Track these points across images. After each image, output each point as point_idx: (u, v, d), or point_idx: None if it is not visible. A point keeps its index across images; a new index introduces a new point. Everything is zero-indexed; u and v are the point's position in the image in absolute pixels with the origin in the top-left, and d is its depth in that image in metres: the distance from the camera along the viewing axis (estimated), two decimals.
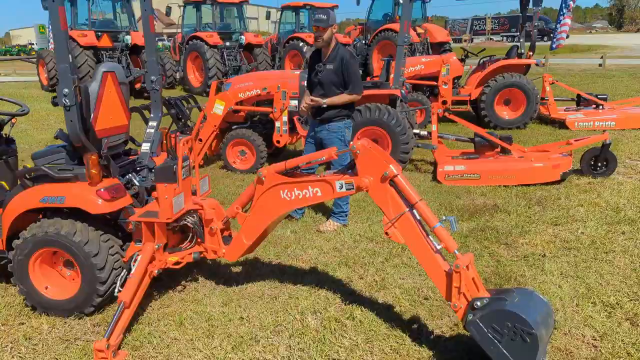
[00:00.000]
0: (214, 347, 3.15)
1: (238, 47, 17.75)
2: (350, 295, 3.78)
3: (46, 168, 3.43)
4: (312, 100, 4.91)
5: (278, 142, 7.50)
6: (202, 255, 3.77)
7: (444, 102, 10.86)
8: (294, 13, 20.46)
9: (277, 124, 7.42)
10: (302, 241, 4.82)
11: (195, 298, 3.77)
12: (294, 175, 3.43)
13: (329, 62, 4.87)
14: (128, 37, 15.47)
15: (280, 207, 3.34)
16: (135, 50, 15.66)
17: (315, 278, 4.06)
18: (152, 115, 4.23)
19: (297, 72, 7.57)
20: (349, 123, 5.05)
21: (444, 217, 2.99)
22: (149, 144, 4.07)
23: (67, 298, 3.46)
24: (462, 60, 11.39)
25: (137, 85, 16.04)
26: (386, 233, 3.05)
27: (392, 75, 7.56)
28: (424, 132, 7.40)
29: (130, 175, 3.77)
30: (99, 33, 15.01)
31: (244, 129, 7.51)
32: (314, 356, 3.07)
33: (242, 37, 17.80)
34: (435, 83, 10.82)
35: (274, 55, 21.30)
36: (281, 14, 21.34)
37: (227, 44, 17.73)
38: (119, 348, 3.12)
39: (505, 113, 10.51)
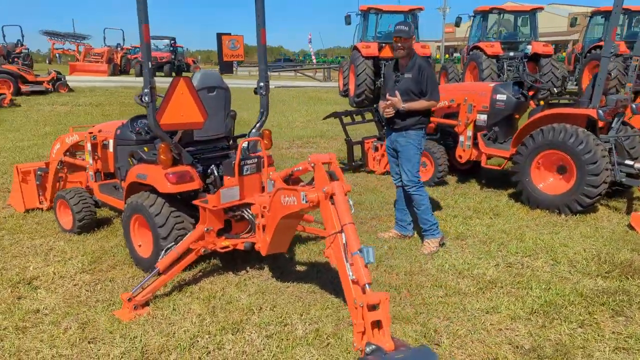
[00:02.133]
0: (200, 325, 3.50)
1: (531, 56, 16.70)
2: None
3: (140, 151, 4.35)
4: (390, 99, 4.78)
5: (460, 157, 7.11)
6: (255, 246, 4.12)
7: None
8: (603, 18, 17.94)
9: (461, 138, 7.04)
10: (388, 259, 4.63)
11: (240, 282, 4.16)
12: (296, 182, 3.48)
13: (407, 72, 4.81)
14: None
15: (281, 210, 3.44)
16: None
17: None
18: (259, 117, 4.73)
19: (492, 84, 6.97)
20: (424, 133, 4.98)
21: (362, 247, 2.63)
22: (246, 143, 4.60)
23: (147, 257, 4.31)
24: None
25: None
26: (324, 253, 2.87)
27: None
28: (639, 165, 5.89)
29: (213, 166, 4.39)
30: (382, 44, 16.28)
31: (426, 140, 7.35)
32: (264, 357, 3.14)
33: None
34: None
35: (575, 67, 19.22)
36: (589, 19, 18.99)
37: (511, 54, 16.93)
38: (147, 305, 3.78)
39: None
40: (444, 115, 7.34)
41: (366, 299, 2.48)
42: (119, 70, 34.89)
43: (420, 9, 16.66)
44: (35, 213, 5.95)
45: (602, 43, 17.13)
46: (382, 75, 5.37)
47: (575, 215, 5.74)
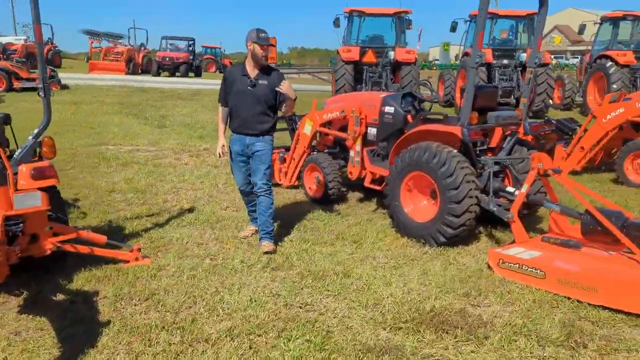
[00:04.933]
0: None
1: None
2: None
3: None
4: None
5: (351, 173, 6.44)
6: None
7: None
8: (611, 26, 16.66)
9: (351, 152, 6.38)
10: (166, 294, 4.07)
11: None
12: None
13: (261, 79, 4.89)
14: (392, 53, 15.62)
15: None
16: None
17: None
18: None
19: (382, 95, 6.28)
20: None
21: None
22: (19, 150, 4.16)
23: None
24: None
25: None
26: None
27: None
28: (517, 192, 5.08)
29: None
30: (365, 49, 15.62)
31: (319, 154, 6.72)
32: None
33: None
34: None
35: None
36: (599, 27, 17.68)
37: None
38: None
39: None
40: (340, 127, 6.70)
41: None
42: (140, 69, 35.27)
43: (407, 12, 15.87)
44: None
45: (608, 52, 15.98)
46: (224, 79, 4.96)
47: (440, 247, 5.02)
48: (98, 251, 4.39)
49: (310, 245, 5.08)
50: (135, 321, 3.58)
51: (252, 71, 4.89)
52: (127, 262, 4.51)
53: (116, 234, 5.19)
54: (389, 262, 4.72)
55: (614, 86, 15.09)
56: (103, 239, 4.44)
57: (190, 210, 6.17)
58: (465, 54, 16.00)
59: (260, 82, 4.86)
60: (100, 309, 3.76)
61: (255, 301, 3.91)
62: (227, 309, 3.79)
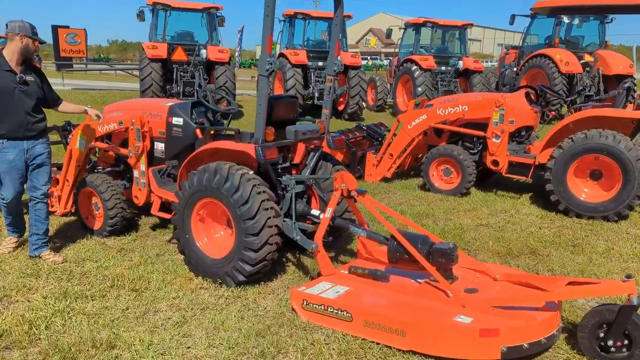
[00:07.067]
0: None
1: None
2: None
3: None
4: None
5: (136, 197, 5.35)
6: None
7: (495, 163, 7.43)
8: (414, 32, 17.67)
9: (135, 173, 5.29)
10: None
11: None
12: None
13: (28, 75, 4.54)
14: (204, 52, 14.53)
15: None
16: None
17: None
18: None
19: (170, 102, 5.30)
20: None
21: None
22: None
23: None
24: (539, 103, 7.73)
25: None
26: None
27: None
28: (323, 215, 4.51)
29: None
30: (174, 46, 14.28)
31: (95, 174, 5.49)
32: None
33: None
34: (484, 134, 7.46)
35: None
36: (404, 32, 18.68)
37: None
38: None
39: (586, 193, 6.58)
40: (123, 141, 5.54)
41: None
42: None
43: (218, 8, 14.90)
44: None
45: (412, 57, 16.87)
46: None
47: (239, 287, 4.23)
48: None
49: (71, 302, 3.92)
50: None
51: (15, 66, 4.48)
52: None
53: None
54: (173, 317, 3.79)
55: (419, 89, 16.02)
56: None
57: None
58: (281, 55, 15.60)
59: (29, 78, 4.54)
60: None
61: None
62: None
